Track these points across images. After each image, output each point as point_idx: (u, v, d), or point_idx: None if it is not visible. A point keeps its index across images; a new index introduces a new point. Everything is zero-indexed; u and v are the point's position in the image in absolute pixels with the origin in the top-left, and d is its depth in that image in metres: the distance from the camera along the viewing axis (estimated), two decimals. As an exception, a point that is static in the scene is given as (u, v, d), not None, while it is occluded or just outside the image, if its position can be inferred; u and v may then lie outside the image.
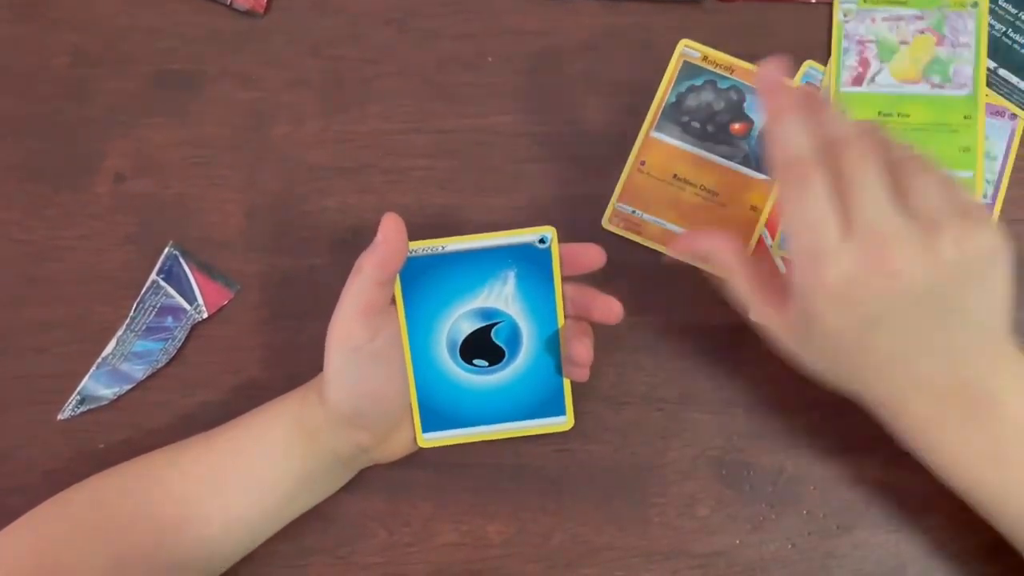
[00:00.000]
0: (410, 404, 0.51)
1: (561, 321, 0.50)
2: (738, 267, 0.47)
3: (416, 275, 0.49)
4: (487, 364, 0.51)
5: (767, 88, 0.45)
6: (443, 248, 0.49)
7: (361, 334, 0.47)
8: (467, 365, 0.51)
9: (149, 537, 0.49)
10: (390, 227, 0.47)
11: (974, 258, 0.42)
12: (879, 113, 0.56)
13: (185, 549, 0.49)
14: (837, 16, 0.57)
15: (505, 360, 0.50)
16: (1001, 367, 0.44)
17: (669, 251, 0.52)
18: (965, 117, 0.55)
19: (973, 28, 0.56)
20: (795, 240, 0.43)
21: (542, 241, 0.49)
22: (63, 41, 0.60)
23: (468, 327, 0.50)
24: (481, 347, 0.50)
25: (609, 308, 0.49)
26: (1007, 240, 0.42)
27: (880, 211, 0.41)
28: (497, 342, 0.50)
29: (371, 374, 0.49)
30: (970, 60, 0.56)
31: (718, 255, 0.48)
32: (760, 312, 0.46)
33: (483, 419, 0.52)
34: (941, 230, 0.41)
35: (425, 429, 0.51)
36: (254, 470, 0.50)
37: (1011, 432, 0.44)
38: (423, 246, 0.49)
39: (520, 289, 0.50)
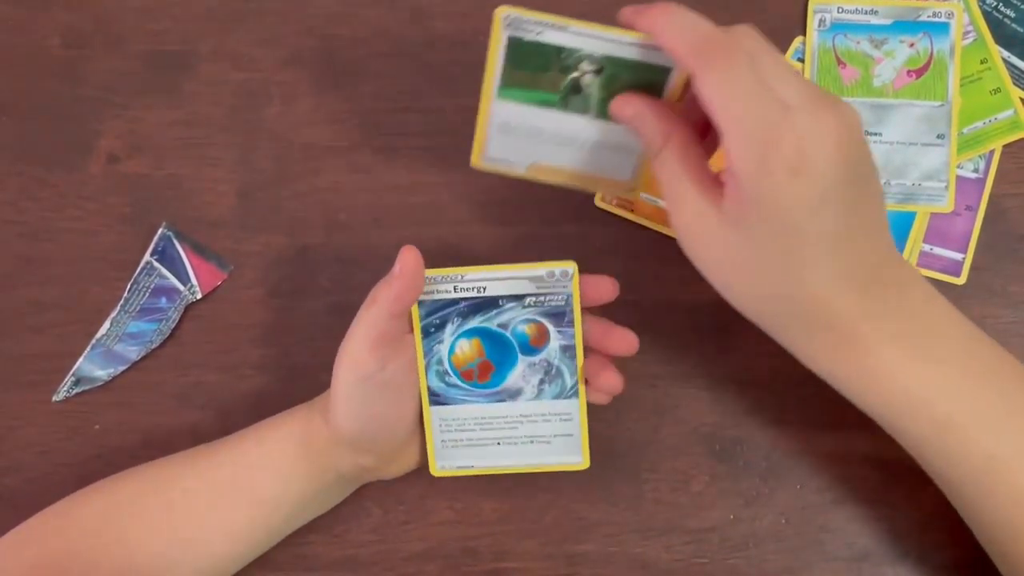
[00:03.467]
0: (417, 427, 0.51)
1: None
2: (673, 147, 0.42)
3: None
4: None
5: (635, 12, 0.41)
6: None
7: (371, 364, 0.46)
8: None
9: (155, 554, 0.49)
10: (408, 260, 0.45)
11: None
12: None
13: (190, 565, 0.49)
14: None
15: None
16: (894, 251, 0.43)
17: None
18: (982, 62, 0.55)
19: None
20: (736, 121, 0.38)
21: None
22: (55, 21, 0.59)
23: None
24: None
25: (625, 340, 0.48)
26: None
27: (802, 80, 0.39)
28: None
29: (379, 401, 0.48)
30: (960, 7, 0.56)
31: (648, 122, 0.42)
32: (694, 202, 0.41)
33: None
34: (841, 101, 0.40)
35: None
36: (258, 491, 0.49)
37: (934, 321, 0.43)
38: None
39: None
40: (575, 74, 0.44)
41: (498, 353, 0.49)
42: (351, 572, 0.54)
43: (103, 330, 0.56)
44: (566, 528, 0.54)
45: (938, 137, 0.54)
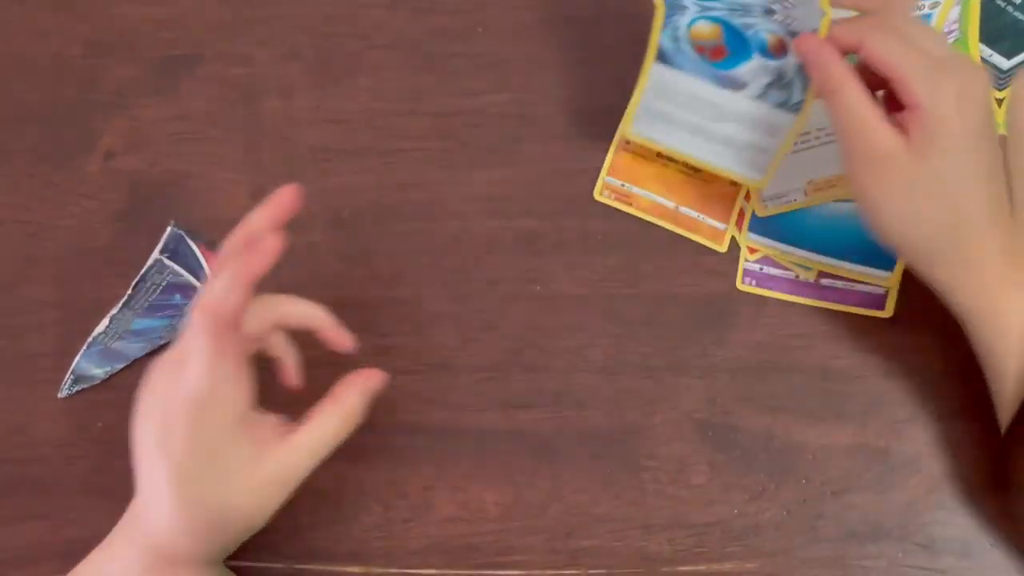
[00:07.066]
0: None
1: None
2: (858, 88, 0.45)
3: None
4: None
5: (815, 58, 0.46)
6: None
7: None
8: None
9: None
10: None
11: None
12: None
13: None
14: None
15: None
16: None
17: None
18: None
19: None
20: (906, 63, 0.44)
21: None
22: (55, 26, 0.61)
23: None
24: None
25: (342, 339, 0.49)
26: None
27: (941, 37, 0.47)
28: None
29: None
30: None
31: (828, 66, 0.45)
32: (884, 139, 0.44)
33: None
34: None
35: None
36: None
37: None
38: None
39: None
40: None
41: (736, 44, 0.47)
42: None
43: (100, 328, 0.56)
44: (569, 523, 0.54)
45: None
